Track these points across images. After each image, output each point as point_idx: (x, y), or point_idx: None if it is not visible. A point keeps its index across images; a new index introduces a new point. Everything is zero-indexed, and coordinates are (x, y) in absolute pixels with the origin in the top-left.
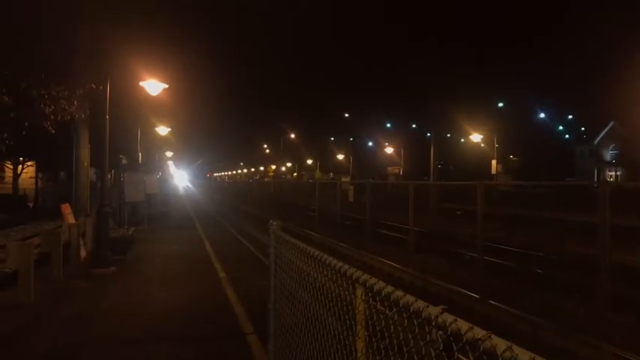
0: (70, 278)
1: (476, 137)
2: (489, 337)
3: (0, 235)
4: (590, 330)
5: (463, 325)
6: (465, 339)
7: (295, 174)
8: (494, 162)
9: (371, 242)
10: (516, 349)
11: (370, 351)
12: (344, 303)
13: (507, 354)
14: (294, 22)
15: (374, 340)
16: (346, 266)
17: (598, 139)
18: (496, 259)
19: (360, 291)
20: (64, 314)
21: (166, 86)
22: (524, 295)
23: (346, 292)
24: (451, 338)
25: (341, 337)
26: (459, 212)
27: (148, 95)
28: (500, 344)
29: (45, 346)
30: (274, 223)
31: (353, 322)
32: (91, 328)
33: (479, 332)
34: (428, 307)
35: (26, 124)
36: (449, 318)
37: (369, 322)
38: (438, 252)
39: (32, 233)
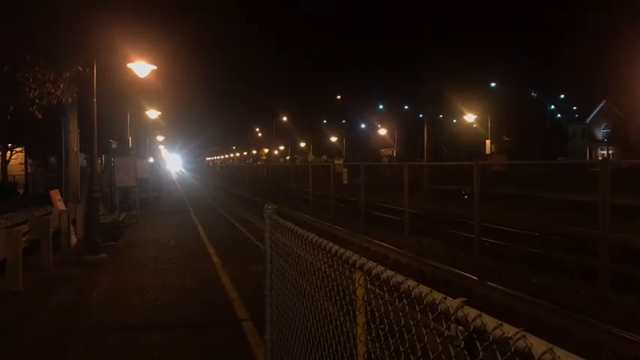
0: (60, 266)
1: (470, 117)
2: (523, 336)
3: None
4: (591, 311)
5: (489, 321)
6: (491, 337)
7: (288, 157)
8: (488, 142)
9: (366, 225)
10: (558, 351)
11: (369, 337)
12: (341, 288)
13: (547, 356)
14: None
15: (372, 326)
16: (343, 250)
17: (590, 118)
18: (493, 240)
19: (358, 275)
20: (53, 303)
21: (155, 68)
22: (522, 277)
23: (343, 278)
24: (474, 335)
25: (338, 322)
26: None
27: (138, 78)
28: (537, 345)
29: (32, 337)
30: (269, 207)
31: (351, 308)
32: (81, 317)
33: (509, 330)
34: (445, 299)
35: (11, 108)
36: (471, 312)
37: (367, 308)
38: (434, 233)
39: (22, 220)
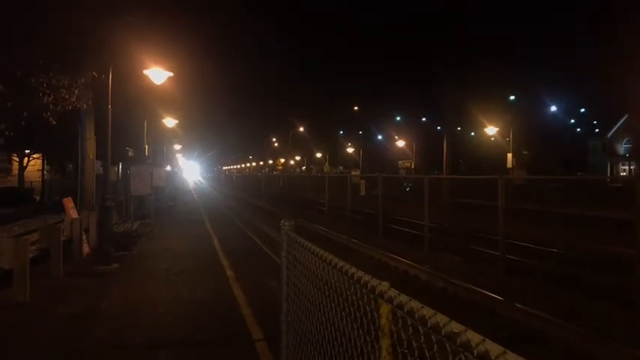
0: (71, 275)
1: (491, 130)
2: None
3: (1, 230)
4: (628, 338)
5: None
6: None
7: (304, 167)
8: (509, 155)
9: (384, 239)
10: None
11: None
12: (368, 317)
13: None
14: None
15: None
16: (369, 278)
17: (611, 132)
18: (517, 257)
19: (385, 309)
20: (61, 316)
21: (171, 74)
22: (550, 297)
23: (368, 309)
24: None
25: (364, 350)
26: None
27: (155, 86)
28: None
29: (37, 352)
30: (286, 224)
31: (377, 346)
32: (88, 331)
33: None
34: (484, 341)
35: (24, 114)
36: None
37: (398, 348)
38: (454, 249)
39: (35, 228)
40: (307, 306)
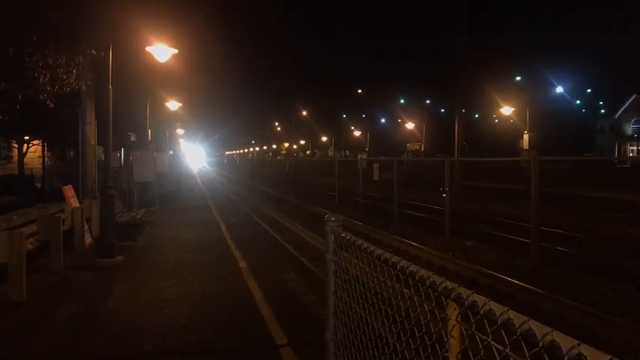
0: (72, 270)
1: (507, 110)
2: None
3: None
4: None
5: None
6: None
7: (308, 152)
8: (525, 136)
9: (400, 225)
10: None
11: None
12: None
13: None
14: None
15: None
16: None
17: (619, 113)
18: (546, 244)
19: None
20: (59, 317)
21: (176, 52)
22: (593, 289)
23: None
24: None
25: None
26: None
27: (158, 65)
28: None
29: None
30: (332, 219)
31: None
32: (89, 337)
33: None
34: None
35: (20, 96)
36: None
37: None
38: (476, 236)
39: (34, 218)
40: (357, 322)
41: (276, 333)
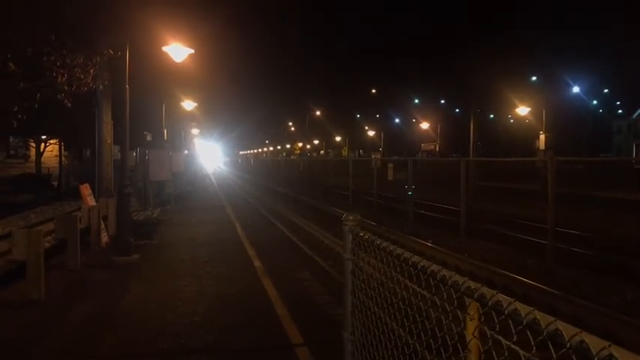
0: (89, 268)
1: (523, 110)
2: None
3: (18, 218)
4: None
5: None
6: None
7: (322, 152)
8: (542, 136)
9: (415, 225)
10: None
11: None
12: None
13: None
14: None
15: None
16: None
17: (637, 113)
18: (561, 245)
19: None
20: (76, 315)
21: (192, 51)
22: (612, 291)
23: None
24: None
25: None
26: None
27: (174, 65)
28: None
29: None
30: (350, 218)
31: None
32: (106, 335)
33: None
34: None
35: (38, 96)
36: None
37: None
38: (491, 236)
39: (51, 216)
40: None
41: (292, 332)
